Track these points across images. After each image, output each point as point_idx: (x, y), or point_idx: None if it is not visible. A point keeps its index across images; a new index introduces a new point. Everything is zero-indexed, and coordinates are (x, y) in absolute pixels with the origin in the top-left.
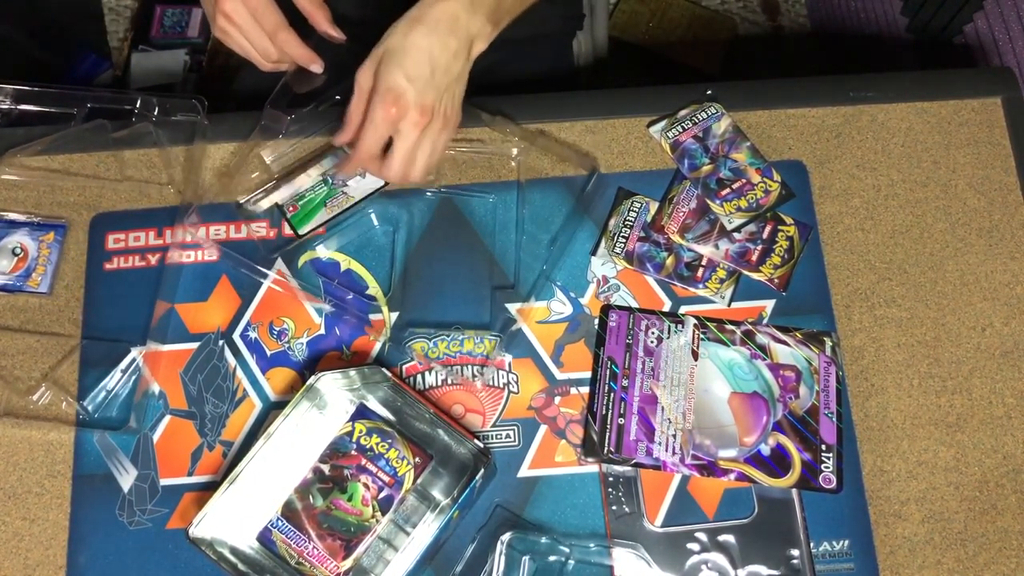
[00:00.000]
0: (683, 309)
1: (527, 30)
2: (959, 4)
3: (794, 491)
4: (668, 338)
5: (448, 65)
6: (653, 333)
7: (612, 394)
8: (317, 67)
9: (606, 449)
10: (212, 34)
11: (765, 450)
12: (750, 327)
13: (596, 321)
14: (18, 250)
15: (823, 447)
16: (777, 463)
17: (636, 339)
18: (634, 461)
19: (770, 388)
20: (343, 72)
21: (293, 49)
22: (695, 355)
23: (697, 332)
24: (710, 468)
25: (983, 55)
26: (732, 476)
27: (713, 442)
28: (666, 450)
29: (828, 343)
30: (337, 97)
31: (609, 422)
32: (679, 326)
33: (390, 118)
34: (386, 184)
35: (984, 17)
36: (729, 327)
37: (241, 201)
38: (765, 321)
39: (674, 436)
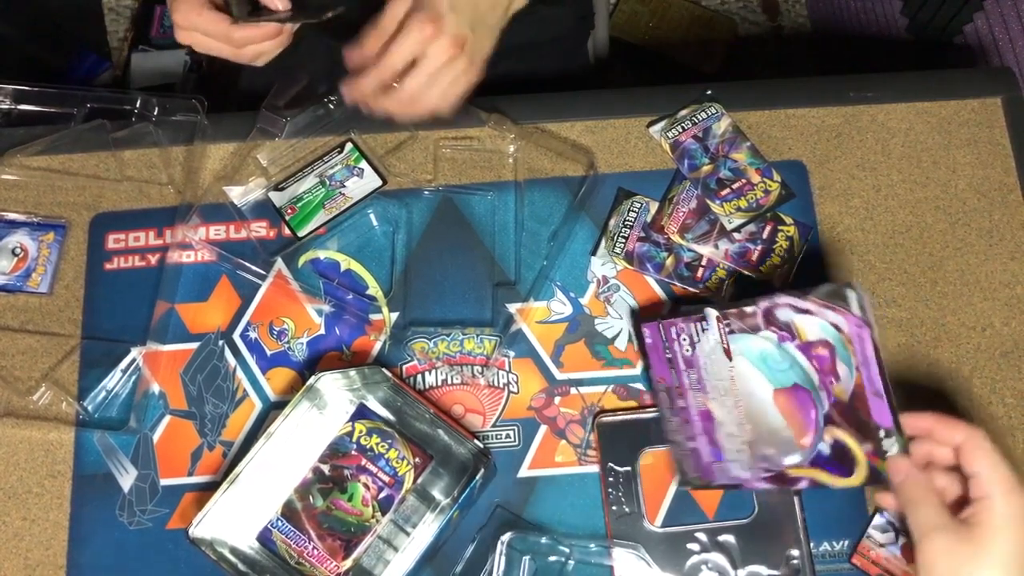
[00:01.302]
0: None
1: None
2: (959, 4)
3: (794, 491)
4: (699, 341)
5: (488, 11)
6: (684, 340)
7: (676, 419)
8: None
9: (690, 475)
10: None
11: (825, 449)
12: (768, 304)
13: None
14: (18, 250)
15: (881, 433)
16: (840, 461)
17: (673, 351)
18: (716, 484)
19: (808, 375)
20: (337, 73)
21: (253, 39)
22: (728, 354)
23: (721, 326)
24: (782, 478)
25: (983, 55)
26: (804, 484)
27: (776, 450)
28: (739, 467)
29: (852, 297)
30: (331, 99)
31: (683, 448)
32: (703, 323)
33: (424, 37)
34: (384, 184)
35: (984, 17)
36: (748, 310)
37: (237, 203)
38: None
39: (739, 451)
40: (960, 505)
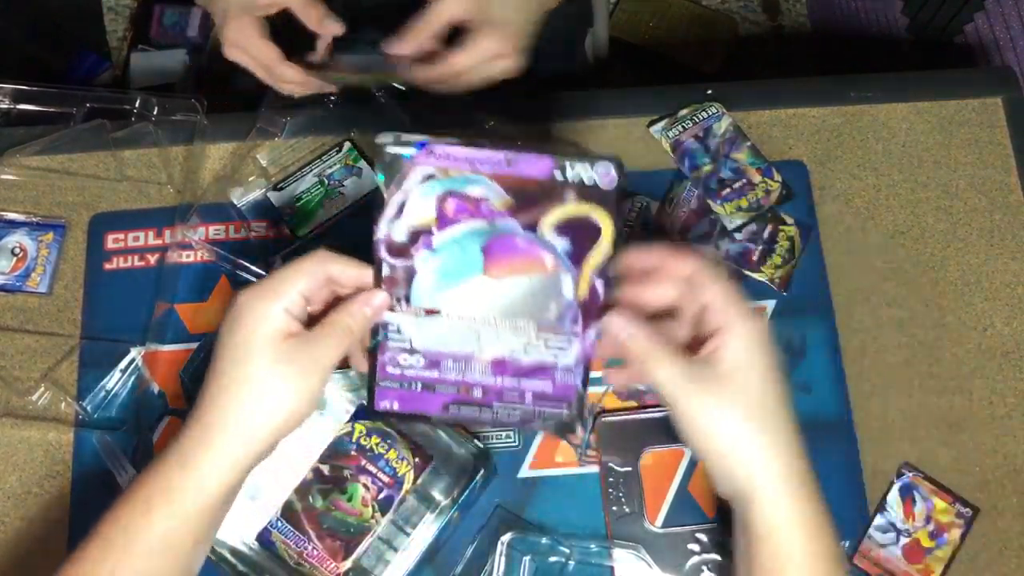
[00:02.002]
0: None
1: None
2: (959, 4)
3: None
4: None
5: (537, 10)
6: None
7: None
8: (329, 87)
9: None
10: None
11: None
12: None
13: None
14: (17, 250)
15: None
16: None
17: None
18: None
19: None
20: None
21: (289, 81)
22: None
23: None
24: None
25: (983, 55)
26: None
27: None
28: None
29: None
30: (332, 98)
31: None
32: None
33: (498, 52)
34: None
35: (984, 17)
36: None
37: (237, 203)
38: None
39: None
40: (694, 347)
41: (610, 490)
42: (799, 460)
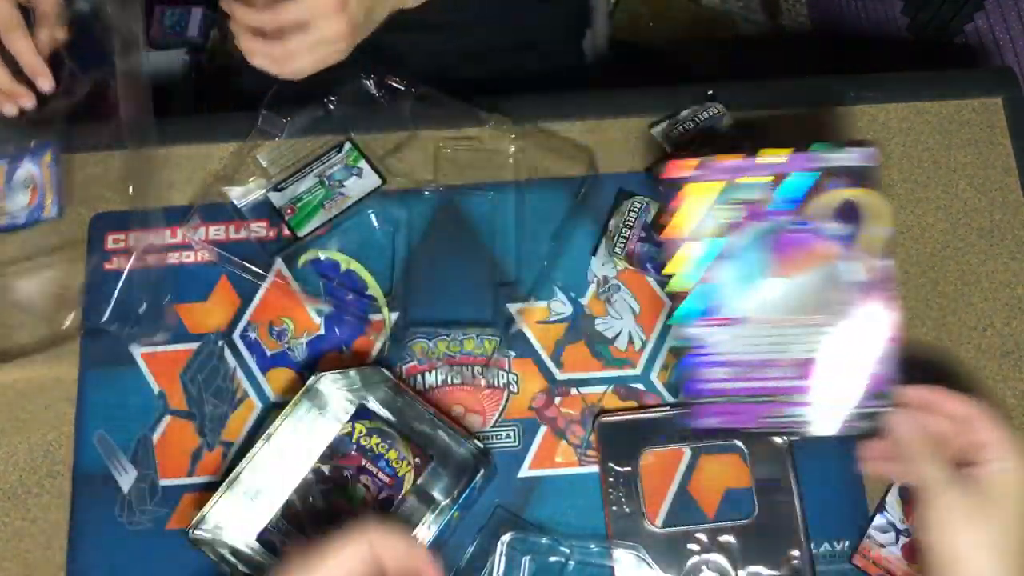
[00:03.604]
0: None
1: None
2: (959, 4)
3: (794, 491)
4: None
5: (379, 6)
6: None
7: None
8: (43, 82)
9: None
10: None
11: None
12: None
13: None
14: (29, 181)
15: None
16: None
17: None
18: None
19: None
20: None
21: (23, 53)
22: None
23: None
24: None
25: (983, 55)
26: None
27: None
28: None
29: None
30: (332, 99)
31: None
32: None
33: (326, 9)
34: (383, 183)
35: (984, 17)
36: None
37: (237, 203)
38: None
39: None
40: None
41: (610, 490)
42: None
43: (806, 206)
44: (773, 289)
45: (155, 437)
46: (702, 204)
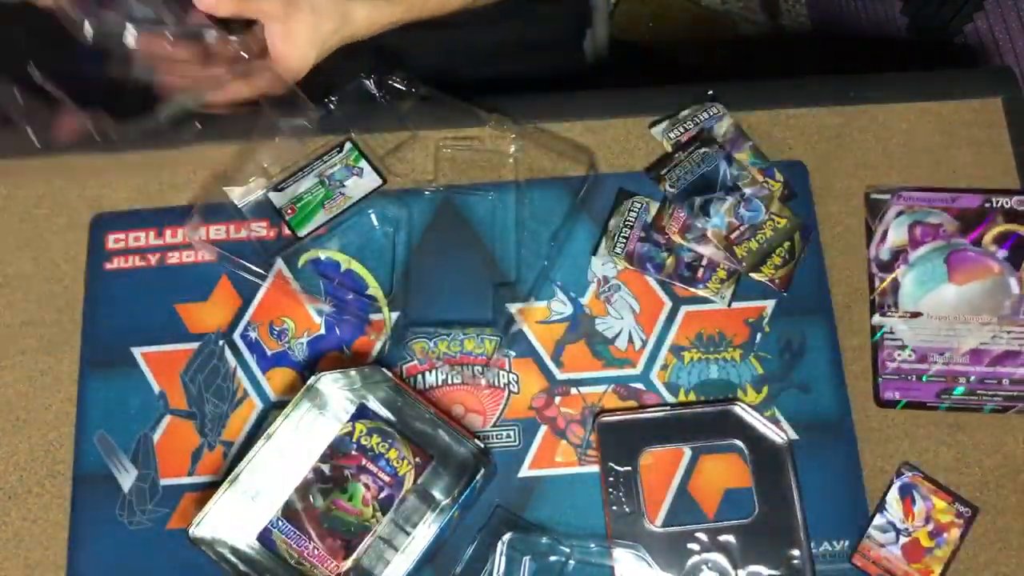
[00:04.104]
0: (683, 310)
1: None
2: (959, 4)
3: (794, 491)
4: None
5: (330, 35)
6: None
7: None
8: None
9: None
10: None
11: None
12: None
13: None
14: None
15: None
16: None
17: None
18: None
19: None
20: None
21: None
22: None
23: None
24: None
25: (983, 55)
26: None
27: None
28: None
29: None
30: (332, 99)
31: None
32: None
33: (278, 13)
34: (383, 183)
35: (984, 17)
36: None
37: (237, 203)
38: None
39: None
40: None
41: (610, 490)
42: None
43: (976, 232)
44: (948, 293)
45: (155, 437)
46: (894, 221)
